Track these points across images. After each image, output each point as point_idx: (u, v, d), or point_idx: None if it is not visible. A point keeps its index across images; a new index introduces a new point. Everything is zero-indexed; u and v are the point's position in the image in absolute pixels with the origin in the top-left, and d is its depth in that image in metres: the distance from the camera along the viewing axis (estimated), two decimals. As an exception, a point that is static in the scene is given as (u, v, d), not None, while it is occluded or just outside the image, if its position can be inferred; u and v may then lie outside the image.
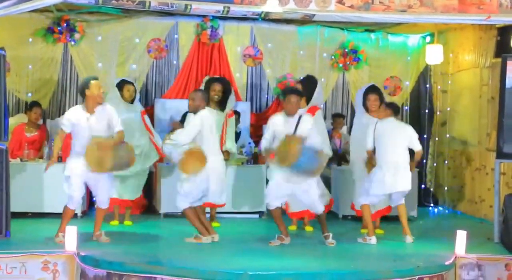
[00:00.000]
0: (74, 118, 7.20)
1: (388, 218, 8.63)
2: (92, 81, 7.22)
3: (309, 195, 7.52)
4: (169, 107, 10.24)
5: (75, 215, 8.81)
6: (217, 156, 7.62)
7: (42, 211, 8.79)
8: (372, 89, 8.52)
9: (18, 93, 10.20)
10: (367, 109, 8.45)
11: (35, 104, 9.65)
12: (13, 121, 9.21)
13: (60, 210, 8.15)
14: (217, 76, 9.80)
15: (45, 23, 10.17)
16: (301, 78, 9.01)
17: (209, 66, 10.73)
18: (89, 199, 9.48)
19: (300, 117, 7.44)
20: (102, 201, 7.49)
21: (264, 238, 7.67)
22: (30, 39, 10.19)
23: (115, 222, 8.56)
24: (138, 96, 8.89)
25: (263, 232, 8.05)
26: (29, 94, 10.19)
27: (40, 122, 9.81)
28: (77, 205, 7.53)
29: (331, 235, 7.61)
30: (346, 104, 11.27)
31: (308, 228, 8.54)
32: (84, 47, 10.40)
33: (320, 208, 7.64)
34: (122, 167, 7.32)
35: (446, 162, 10.88)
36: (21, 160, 8.98)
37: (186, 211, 7.50)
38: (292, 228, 8.58)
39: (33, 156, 9.18)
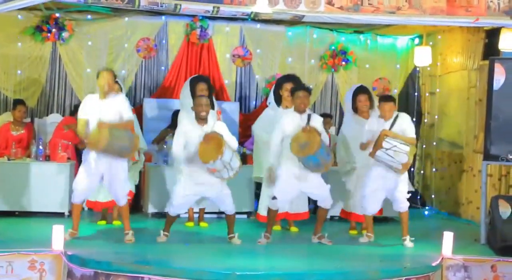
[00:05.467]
0: (89, 106, 7.30)
1: (375, 219, 8.64)
2: (102, 72, 7.38)
3: (323, 190, 7.61)
4: (158, 106, 10.22)
5: (62, 214, 8.80)
6: None
7: (30, 210, 8.73)
8: (363, 90, 8.47)
9: (6, 91, 10.15)
10: (356, 110, 8.43)
11: (19, 102, 9.58)
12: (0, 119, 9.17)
13: (47, 209, 8.16)
14: (198, 75, 9.67)
15: (33, 21, 10.12)
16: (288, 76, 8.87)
17: (198, 66, 10.72)
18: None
19: (310, 115, 7.51)
20: (117, 198, 7.49)
21: (252, 239, 7.66)
22: (19, 38, 10.13)
23: (102, 222, 8.52)
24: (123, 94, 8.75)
25: (251, 233, 8.02)
26: (17, 92, 10.14)
27: (28, 120, 9.77)
28: (80, 199, 7.49)
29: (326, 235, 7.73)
30: (335, 104, 11.30)
31: (293, 229, 8.55)
32: (73, 46, 10.36)
33: (329, 202, 7.71)
34: (120, 151, 7.16)
35: (434, 164, 10.91)
36: (9, 159, 8.93)
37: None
38: (277, 228, 8.58)
39: (20, 155, 9.11)
